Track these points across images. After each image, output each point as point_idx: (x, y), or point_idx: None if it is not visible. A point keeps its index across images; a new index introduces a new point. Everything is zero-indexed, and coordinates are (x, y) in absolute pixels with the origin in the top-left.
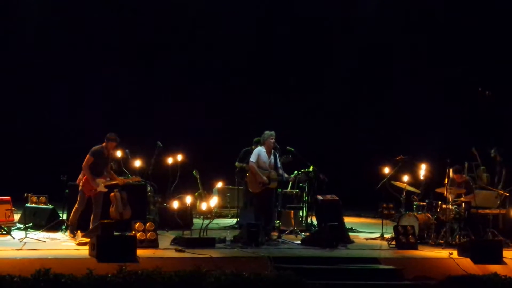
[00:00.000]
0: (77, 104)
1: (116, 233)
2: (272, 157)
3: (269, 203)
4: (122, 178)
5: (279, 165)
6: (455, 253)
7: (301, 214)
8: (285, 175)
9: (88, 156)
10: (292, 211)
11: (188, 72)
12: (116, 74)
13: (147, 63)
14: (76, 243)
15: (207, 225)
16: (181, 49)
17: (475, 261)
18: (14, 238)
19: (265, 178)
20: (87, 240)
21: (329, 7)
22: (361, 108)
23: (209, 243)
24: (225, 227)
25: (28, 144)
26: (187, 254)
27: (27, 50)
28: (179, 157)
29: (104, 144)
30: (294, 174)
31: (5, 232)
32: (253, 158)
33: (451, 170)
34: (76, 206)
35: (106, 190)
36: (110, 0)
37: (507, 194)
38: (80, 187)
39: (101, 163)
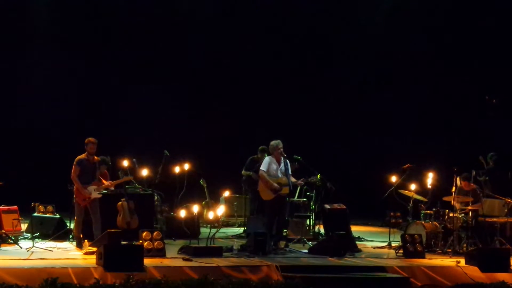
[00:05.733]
0: (84, 115)
1: (123, 242)
2: (282, 165)
3: (281, 210)
4: (111, 181)
5: (290, 172)
6: (462, 261)
7: (308, 223)
8: (293, 179)
9: (74, 166)
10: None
11: (192, 81)
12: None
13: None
14: (83, 252)
15: (214, 234)
16: (184, 58)
17: (483, 269)
18: (21, 247)
19: (276, 184)
20: (94, 249)
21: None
22: (365, 115)
23: (216, 252)
24: (232, 236)
25: (35, 153)
26: (194, 263)
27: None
28: (186, 166)
29: (86, 152)
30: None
31: (12, 242)
32: (263, 167)
33: (458, 178)
34: (75, 218)
35: (100, 196)
36: None
37: None
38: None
39: (89, 171)
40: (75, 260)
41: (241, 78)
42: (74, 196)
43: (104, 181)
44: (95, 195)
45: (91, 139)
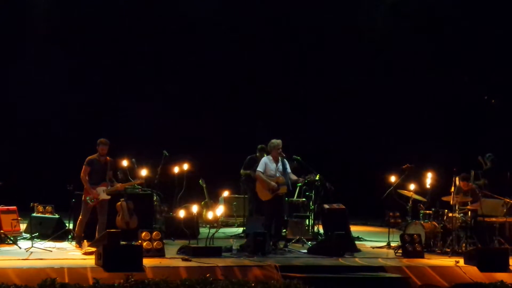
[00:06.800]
0: (84, 115)
1: (122, 243)
2: (280, 164)
3: (279, 210)
4: (120, 183)
5: (288, 170)
6: (461, 261)
7: (307, 223)
8: (294, 177)
9: (84, 166)
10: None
11: (191, 81)
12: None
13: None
14: (83, 252)
15: (214, 234)
16: (184, 58)
17: (482, 269)
18: (20, 247)
19: (273, 184)
20: (94, 249)
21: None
22: (365, 116)
23: (215, 252)
24: (231, 236)
25: (35, 153)
26: (193, 263)
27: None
28: (185, 166)
29: (97, 152)
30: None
31: (11, 242)
32: (260, 168)
33: (457, 178)
34: (80, 217)
35: (109, 197)
36: None
37: None
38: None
39: (99, 171)
40: (74, 260)
41: (241, 77)
42: (83, 195)
43: (115, 183)
44: (104, 196)
45: (102, 140)
